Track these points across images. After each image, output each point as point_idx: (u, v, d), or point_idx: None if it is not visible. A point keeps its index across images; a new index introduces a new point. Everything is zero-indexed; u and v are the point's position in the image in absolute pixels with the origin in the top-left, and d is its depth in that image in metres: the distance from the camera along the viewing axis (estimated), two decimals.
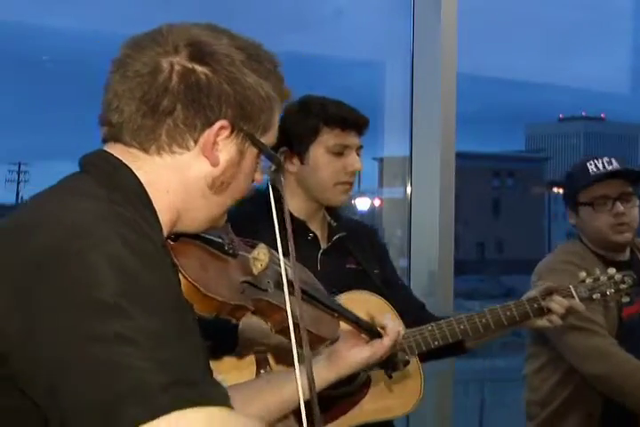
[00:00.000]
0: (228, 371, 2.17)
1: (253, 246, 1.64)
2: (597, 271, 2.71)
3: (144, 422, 1.06)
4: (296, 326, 1.59)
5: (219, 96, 1.36)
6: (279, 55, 1.49)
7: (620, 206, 3.06)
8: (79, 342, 1.11)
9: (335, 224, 2.67)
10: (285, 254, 1.62)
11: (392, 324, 1.94)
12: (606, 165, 3.10)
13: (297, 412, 1.63)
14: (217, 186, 1.41)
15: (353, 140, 2.60)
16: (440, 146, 3.82)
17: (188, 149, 1.38)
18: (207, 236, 1.52)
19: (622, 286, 2.70)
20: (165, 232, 1.40)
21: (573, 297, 2.62)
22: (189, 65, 1.36)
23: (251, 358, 2.24)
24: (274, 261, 1.64)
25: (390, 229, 4.20)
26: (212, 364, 1.62)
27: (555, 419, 3.12)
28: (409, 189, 3.88)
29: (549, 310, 2.57)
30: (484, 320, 2.55)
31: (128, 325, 1.13)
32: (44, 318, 1.14)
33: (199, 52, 1.37)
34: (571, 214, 3.21)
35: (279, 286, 1.62)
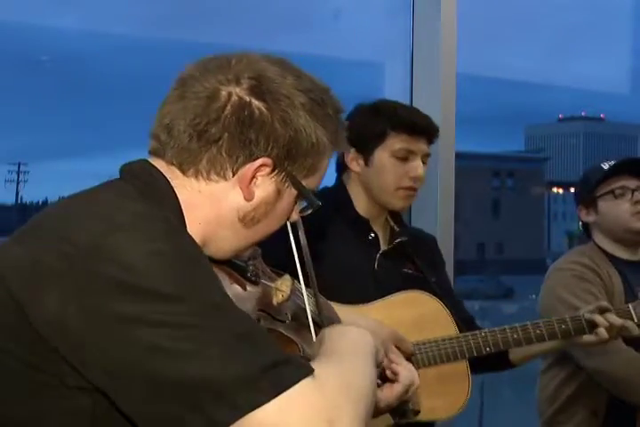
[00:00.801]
0: None
1: (278, 276, 1.62)
2: None
3: (248, 412, 1.08)
4: (305, 359, 1.62)
5: (268, 134, 1.36)
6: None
7: (638, 195, 3.08)
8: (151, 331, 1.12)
9: (398, 229, 2.67)
10: (308, 285, 1.63)
11: (406, 372, 1.92)
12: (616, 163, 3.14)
13: None
14: (247, 220, 1.41)
15: (419, 146, 2.59)
16: (439, 146, 3.82)
17: (225, 178, 1.37)
18: (233, 260, 1.51)
19: None
20: None
21: (632, 318, 2.63)
22: (247, 98, 1.35)
23: None
24: (296, 294, 1.62)
25: None
26: None
27: (560, 416, 3.12)
28: None
29: (596, 326, 2.57)
30: (537, 331, 2.53)
31: (185, 309, 1.14)
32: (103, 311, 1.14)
33: (260, 88, 1.36)
34: (587, 212, 3.19)
35: (297, 319, 1.61)
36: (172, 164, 1.37)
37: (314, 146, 1.39)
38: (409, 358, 2.23)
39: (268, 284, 1.56)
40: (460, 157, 3.85)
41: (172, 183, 1.37)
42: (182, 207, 1.37)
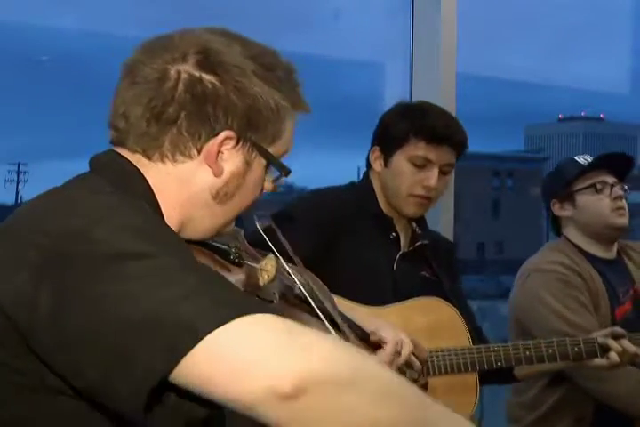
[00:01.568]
0: None
1: (263, 256, 1.60)
2: None
3: (210, 332, 1.07)
4: None
5: (225, 106, 1.34)
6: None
7: (618, 190, 3.06)
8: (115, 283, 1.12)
9: (419, 231, 2.66)
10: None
11: (391, 333, 1.91)
12: (592, 159, 3.12)
13: None
14: (221, 196, 1.40)
15: (439, 155, 2.54)
16: None
17: (190, 157, 1.36)
18: (214, 243, 1.50)
19: None
20: None
21: None
22: (197, 74, 1.34)
23: None
24: (281, 273, 1.61)
25: None
26: None
27: (543, 423, 3.06)
28: None
29: (609, 349, 2.56)
30: (550, 351, 2.53)
31: (158, 262, 1.14)
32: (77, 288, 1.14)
33: (208, 61, 1.35)
34: (562, 206, 3.17)
35: (284, 297, 1.61)
36: (136, 151, 1.37)
37: (273, 111, 1.37)
38: (423, 364, 2.24)
39: (253, 265, 1.54)
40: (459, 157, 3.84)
41: (141, 171, 1.36)
42: (155, 193, 1.36)
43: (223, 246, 1.51)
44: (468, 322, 2.55)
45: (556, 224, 3.24)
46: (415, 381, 2.23)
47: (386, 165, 2.56)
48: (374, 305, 2.40)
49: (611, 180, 3.10)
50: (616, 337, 2.56)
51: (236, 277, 1.51)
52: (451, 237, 3.58)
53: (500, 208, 53.33)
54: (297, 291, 1.60)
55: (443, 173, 2.55)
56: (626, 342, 2.55)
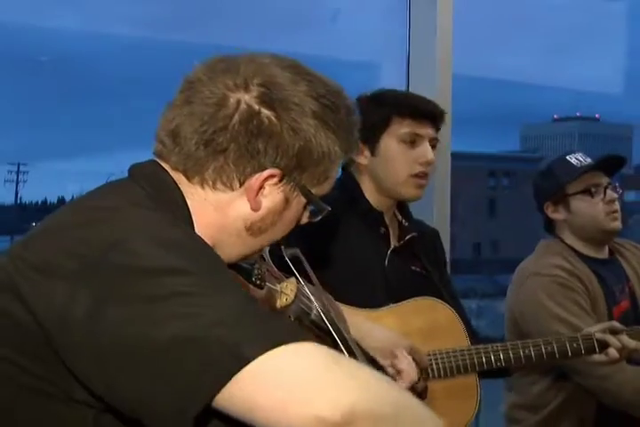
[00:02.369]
0: None
1: (285, 279, 1.60)
2: None
3: (255, 358, 1.08)
4: None
5: (277, 145, 1.32)
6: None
7: (612, 194, 3.06)
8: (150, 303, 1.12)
9: (407, 224, 2.64)
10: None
11: (409, 369, 1.91)
12: (584, 158, 3.10)
13: None
14: (254, 229, 1.39)
15: (426, 130, 2.54)
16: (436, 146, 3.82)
17: (232, 188, 1.35)
18: (239, 263, 1.49)
19: None
20: None
21: None
22: (256, 107, 1.32)
23: None
24: (300, 298, 1.61)
25: None
26: None
27: (546, 424, 3.07)
28: None
29: (607, 345, 2.56)
30: (549, 348, 2.52)
31: (194, 280, 1.14)
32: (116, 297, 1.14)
33: (269, 96, 1.33)
34: (555, 209, 3.16)
35: (299, 320, 1.61)
36: (177, 170, 1.35)
37: (324, 155, 1.36)
38: (423, 370, 2.22)
39: (273, 287, 1.53)
40: (456, 157, 3.86)
41: (181, 188, 1.35)
42: (192, 214, 1.35)
43: (247, 266, 1.51)
44: (459, 313, 2.55)
45: (550, 225, 3.23)
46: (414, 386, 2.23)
47: (373, 154, 2.53)
48: (367, 302, 2.39)
49: (604, 181, 3.08)
50: (614, 332, 2.56)
51: (258, 298, 1.49)
52: (447, 237, 3.57)
53: (495, 208, 53.25)
54: (313, 317, 1.60)
55: (432, 147, 2.55)
56: (625, 338, 2.55)
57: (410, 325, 2.39)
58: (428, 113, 2.57)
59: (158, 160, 1.40)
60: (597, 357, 2.57)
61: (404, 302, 2.45)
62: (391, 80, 3.90)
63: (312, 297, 1.60)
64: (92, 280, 1.15)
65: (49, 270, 1.18)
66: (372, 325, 2.13)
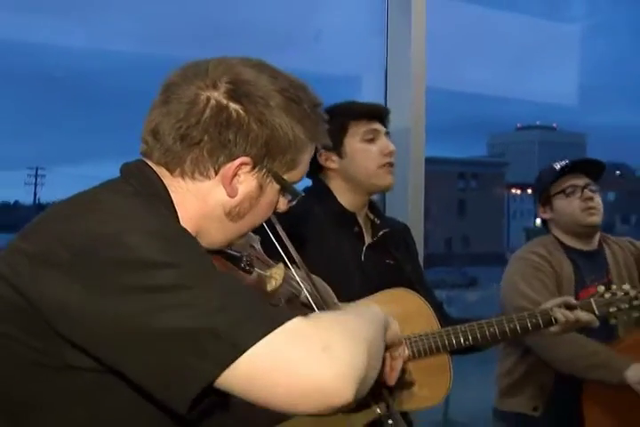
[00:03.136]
0: None
1: (273, 264, 1.58)
2: (614, 287, 2.72)
3: (251, 346, 1.08)
4: None
5: (246, 134, 1.32)
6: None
7: (588, 192, 3.10)
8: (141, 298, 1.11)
9: (378, 221, 2.66)
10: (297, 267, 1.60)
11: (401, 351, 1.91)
12: (568, 164, 3.15)
13: None
14: (233, 215, 1.38)
15: (379, 126, 2.57)
16: (410, 152, 3.83)
17: (209, 177, 1.34)
18: (227, 250, 1.47)
19: (635, 303, 2.70)
20: None
21: (593, 311, 2.63)
22: (224, 102, 1.32)
23: None
24: (288, 281, 1.59)
25: None
26: None
27: (515, 388, 3.18)
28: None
29: (557, 321, 2.58)
30: (511, 326, 2.54)
31: (184, 273, 1.13)
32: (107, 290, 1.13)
33: (236, 91, 1.32)
34: (544, 210, 3.23)
35: (290, 302, 1.59)
36: (160, 164, 1.35)
37: (291, 143, 1.35)
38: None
39: (262, 272, 1.52)
40: (429, 161, 3.86)
41: (165, 182, 1.34)
42: (175, 205, 1.34)
43: (235, 253, 1.49)
44: (429, 298, 2.56)
45: (545, 225, 3.30)
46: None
47: (341, 157, 2.55)
48: (347, 294, 2.38)
49: (582, 182, 3.13)
50: (569, 307, 2.58)
51: (248, 283, 1.49)
52: (421, 234, 3.57)
53: (465, 207, 53.54)
54: (303, 298, 1.58)
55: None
56: (578, 313, 2.57)
57: (384, 313, 2.39)
58: (377, 113, 2.61)
59: (144, 159, 1.39)
60: (554, 328, 2.60)
61: (378, 293, 2.45)
62: (370, 92, 3.91)
63: (299, 280, 1.58)
64: (85, 271, 1.14)
65: (44, 260, 1.17)
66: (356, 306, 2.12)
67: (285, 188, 1.40)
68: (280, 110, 1.33)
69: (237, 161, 1.32)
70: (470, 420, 9.13)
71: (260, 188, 1.37)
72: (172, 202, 1.34)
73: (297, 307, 1.59)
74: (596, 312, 2.61)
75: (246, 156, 1.32)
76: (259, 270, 1.51)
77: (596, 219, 3.11)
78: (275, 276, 1.53)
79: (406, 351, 1.51)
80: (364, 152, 2.53)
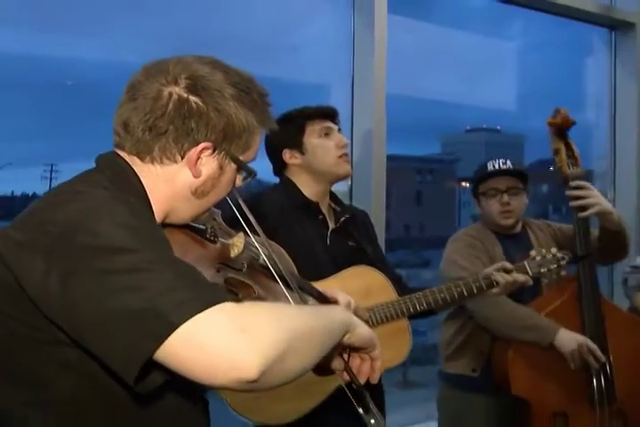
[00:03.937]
0: None
1: (235, 233, 1.60)
2: (543, 251, 2.76)
3: (181, 324, 1.06)
4: (259, 299, 1.58)
5: (206, 123, 1.33)
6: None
7: (505, 197, 3.14)
8: (104, 278, 1.11)
9: (339, 209, 2.67)
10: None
11: (343, 297, 1.92)
12: (501, 164, 3.16)
13: None
14: (198, 193, 1.39)
15: (332, 124, 2.60)
16: (373, 150, 3.82)
17: (175, 162, 1.35)
18: (193, 224, 1.48)
19: (562, 263, 2.75)
20: (158, 223, 1.39)
21: (527, 272, 2.64)
22: (185, 95, 1.33)
23: None
24: (249, 247, 1.60)
25: None
26: None
27: (456, 354, 3.22)
28: (349, 184, 3.89)
29: (498, 283, 2.61)
30: (459, 290, 2.57)
31: (140, 258, 1.12)
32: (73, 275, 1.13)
33: (195, 86, 1.34)
34: (476, 203, 3.28)
35: (252, 266, 1.60)
36: (132, 153, 1.35)
37: (245, 128, 1.36)
38: (365, 322, 2.22)
39: (225, 241, 1.53)
40: (391, 158, 3.89)
41: (136, 170, 1.35)
42: (146, 189, 1.34)
43: (201, 226, 1.50)
44: (389, 274, 2.58)
45: (480, 213, 3.35)
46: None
47: (303, 153, 2.57)
48: (316, 275, 2.38)
49: (504, 186, 3.15)
50: (506, 271, 2.63)
51: (210, 251, 1.50)
52: (382, 221, 3.58)
53: (422, 198, 53.58)
54: (261, 261, 1.60)
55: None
56: (515, 274, 2.62)
57: (349, 287, 2.39)
58: (328, 113, 2.64)
59: (117, 150, 1.41)
60: (495, 290, 2.64)
61: (343, 270, 2.47)
62: (339, 98, 3.91)
63: (257, 245, 1.59)
64: (60, 256, 1.14)
65: (29, 246, 1.18)
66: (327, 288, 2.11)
67: (242, 167, 1.41)
68: (233, 100, 1.34)
69: (200, 146, 1.33)
70: (425, 380, 9.21)
71: (221, 168, 1.38)
72: (143, 187, 1.34)
73: (258, 268, 1.59)
74: (530, 273, 2.66)
75: (207, 141, 1.33)
76: (222, 240, 1.53)
77: (511, 221, 3.17)
78: (237, 243, 1.55)
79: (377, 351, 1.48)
80: (322, 147, 2.57)
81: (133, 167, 1.37)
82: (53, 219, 1.20)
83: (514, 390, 3.00)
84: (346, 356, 1.44)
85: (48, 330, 1.19)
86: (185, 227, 1.47)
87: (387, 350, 2.47)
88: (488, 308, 3.02)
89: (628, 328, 3.15)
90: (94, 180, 1.34)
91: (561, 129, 3.09)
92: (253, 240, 1.59)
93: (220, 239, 1.54)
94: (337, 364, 1.45)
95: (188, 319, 1.06)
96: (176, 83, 1.34)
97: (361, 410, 1.45)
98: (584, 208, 2.97)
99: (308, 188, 2.61)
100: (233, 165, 1.41)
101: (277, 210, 2.51)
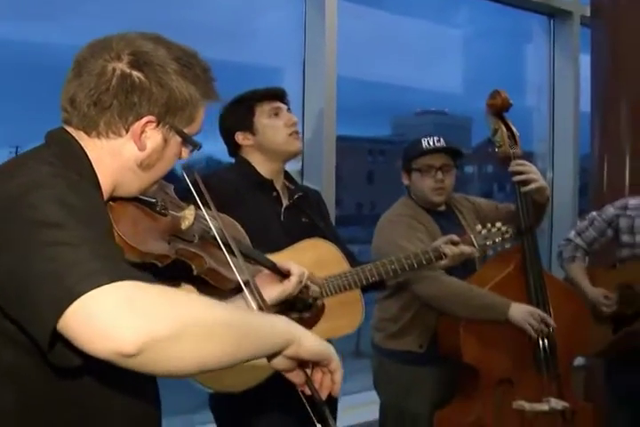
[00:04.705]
0: None
1: (185, 206, 1.58)
2: (488, 225, 2.77)
3: (80, 295, 1.04)
4: (211, 270, 1.57)
5: (148, 97, 1.32)
6: (210, 62, 1.44)
7: (439, 174, 3.12)
8: (32, 248, 1.10)
9: (293, 187, 2.66)
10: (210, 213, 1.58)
11: (296, 267, 1.90)
12: (435, 142, 3.14)
13: None
14: (144, 165, 1.37)
15: (280, 104, 2.58)
16: (323, 131, 3.83)
17: (120, 135, 1.34)
18: (143, 197, 1.46)
19: (506, 236, 2.76)
20: (106, 197, 1.36)
21: (474, 245, 2.62)
22: (128, 71, 1.31)
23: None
24: (200, 220, 1.58)
25: None
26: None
27: (403, 331, 3.19)
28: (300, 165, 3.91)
29: (446, 255, 2.63)
30: (409, 261, 2.58)
31: (66, 233, 1.11)
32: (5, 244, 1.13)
33: (138, 61, 1.32)
34: (405, 177, 3.24)
35: (203, 238, 1.58)
36: (79, 128, 1.33)
37: (187, 101, 1.35)
38: (320, 288, 2.23)
39: (176, 214, 1.52)
40: (343, 139, 3.88)
41: (82, 144, 1.33)
42: (93, 163, 1.32)
43: (151, 199, 1.48)
44: (343, 250, 2.58)
45: (407, 187, 3.29)
46: (315, 301, 2.24)
47: (254, 134, 2.57)
48: (272, 249, 2.38)
49: (438, 163, 3.14)
50: (454, 243, 2.64)
51: (160, 223, 1.48)
52: (333, 198, 3.59)
53: (373, 177, 53.73)
54: (212, 233, 1.58)
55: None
56: (462, 246, 2.64)
57: (303, 259, 2.38)
58: (276, 93, 2.64)
59: (65, 126, 1.39)
60: (443, 262, 2.65)
61: (296, 243, 2.46)
62: (291, 81, 3.90)
63: (209, 218, 1.57)
64: (3, 226, 1.14)
65: None
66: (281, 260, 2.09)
67: (186, 140, 1.39)
68: (176, 75, 1.32)
69: (144, 120, 1.32)
70: None
71: (165, 141, 1.36)
72: (90, 162, 1.32)
73: (209, 240, 1.57)
74: (476, 245, 2.67)
75: (151, 115, 1.32)
76: (173, 212, 1.51)
77: (442, 198, 3.16)
78: (187, 216, 1.53)
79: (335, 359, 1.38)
80: (272, 126, 2.56)
81: (80, 142, 1.35)
82: (0, 192, 1.18)
83: (465, 358, 3.02)
84: (309, 370, 1.36)
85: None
86: (135, 200, 1.45)
87: (340, 320, 2.49)
88: (435, 289, 3.01)
89: (565, 297, 3.21)
90: (41, 155, 1.32)
91: (500, 110, 3.11)
92: (205, 213, 1.57)
93: (170, 212, 1.52)
94: (297, 378, 1.37)
95: (88, 291, 1.05)
96: (119, 59, 1.32)
97: (319, 426, 1.39)
98: (526, 183, 3.00)
99: (262, 166, 2.60)
100: (178, 138, 1.39)
101: (232, 188, 2.50)
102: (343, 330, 2.50)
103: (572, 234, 3.80)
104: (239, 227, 1.85)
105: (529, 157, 3.07)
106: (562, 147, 5.46)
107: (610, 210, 3.70)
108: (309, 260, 2.42)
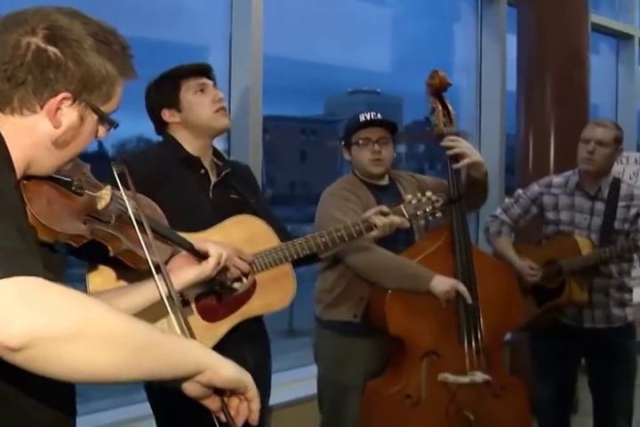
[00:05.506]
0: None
1: (101, 186, 1.55)
2: (419, 194, 2.78)
3: None
4: (127, 251, 1.56)
5: (64, 73, 1.28)
6: (134, 41, 1.41)
7: (377, 146, 3.17)
8: None
9: (221, 164, 2.63)
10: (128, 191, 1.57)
11: (214, 249, 1.86)
12: (373, 116, 3.19)
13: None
14: (59, 143, 1.33)
15: (206, 80, 2.55)
16: (250, 110, 3.82)
17: (35, 112, 1.30)
18: (57, 176, 1.43)
19: (436, 205, 2.77)
20: (19, 175, 1.33)
21: (404, 215, 2.65)
22: (43, 45, 1.27)
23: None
24: (117, 201, 1.56)
25: None
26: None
27: (337, 301, 3.26)
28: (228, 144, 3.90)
29: (376, 226, 2.63)
30: (339, 234, 2.57)
31: None
32: None
33: (53, 36, 1.28)
34: (346, 152, 3.29)
35: (120, 218, 1.56)
36: None
37: (104, 78, 1.32)
38: (250, 265, 2.22)
39: (92, 194, 1.50)
40: (275, 119, 3.87)
41: None
42: (5, 140, 1.28)
43: (66, 179, 1.45)
44: (274, 224, 2.56)
45: (350, 162, 3.34)
46: (245, 277, 2.23)
47: (180, 111, 2.54)
48: (200, 227, 2.36)
49: (375, 136, 3.19)
50: (383, 214, 2.65)
51: (76, 203, 1.46)
52: (259, 176, 3.59)
53: (306, 157, 53.75)
54: (130, 214, 1.56)
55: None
56: (392, 217, 2.65)
57: (232, 236, 2.38)
58: (202, 69, 2.60)
59: None
60: (373, 233, 2.67)
61: (225, 220, 2.44)
62: (218, 59, 3.88)
63: (126, 199, 1.56)
64: None
65: None
66: (202, 240, 2.07)
67: (103, 117, 1.37)
68: (92, 51, 1.30)
69: (59, 96, 1.29)
70: (310, 328, 9.33)
71: (81, 119, 1.33)
72: (2, 138, 1.28)
73: (126, 221, 1.56)
74: (406, 215, 2.69)
75: (67, 91, 1.29)
76: (89, 192, 1.49)
77: (381, 169, 3.21)
78: (103, 196, 1.51)
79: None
80: (198, 103, 2.53)
81: None
82: None
83: (391, 329, 3.08)
84: (226, 398, 1.33)
85: None
86: (50, 179, 1.42)
87: (272, 295, 2.48)
88: (364, 260, 3.07)
89: (492, 271, 3.28)
90: None
91: (438, 90, 3.15)
92: (122, 193, 1.54)
93: (86, 191, 1.49)
94: (213, 404, 1.33)
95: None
96: (34, 33, 1.28)
97: None
98: (459, 158, 3.05)
99: (190, 144, 2.56)
100: (94, 116, 1.35)
101: (159, 166, 2.46)
102: (276, 305, 2.48)
103: (498, 211, 3.88)
104: (157, 207, 1.82)
105: (462, 135, 3.11)
106: (489, 125, 5.55)
107: (534, 188, 3.79)
108: (239, 236, 2.41)
